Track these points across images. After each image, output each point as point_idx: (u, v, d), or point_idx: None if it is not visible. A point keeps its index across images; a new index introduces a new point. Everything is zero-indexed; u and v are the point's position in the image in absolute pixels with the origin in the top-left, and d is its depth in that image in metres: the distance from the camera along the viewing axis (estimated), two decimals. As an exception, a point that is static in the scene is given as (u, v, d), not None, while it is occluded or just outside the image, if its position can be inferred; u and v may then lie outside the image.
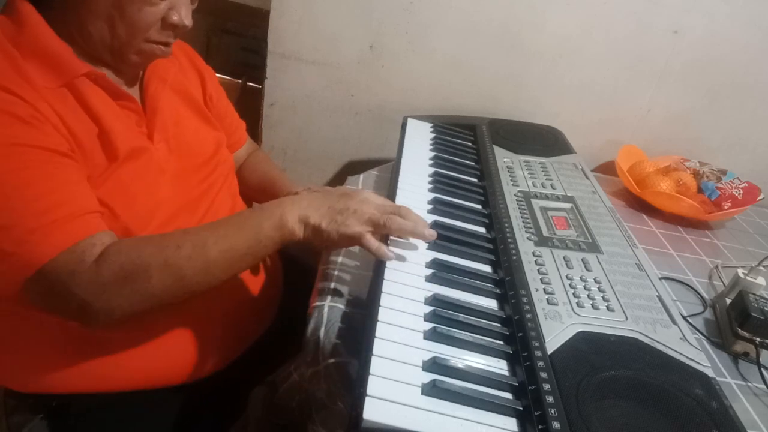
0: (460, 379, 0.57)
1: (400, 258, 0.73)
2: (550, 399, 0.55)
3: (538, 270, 0.75)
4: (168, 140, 0.80)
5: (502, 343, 0.65)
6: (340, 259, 0.84)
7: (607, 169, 1.43)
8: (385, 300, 0.65)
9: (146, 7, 0.69)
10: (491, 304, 0.71)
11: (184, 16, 0.73)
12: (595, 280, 0.75)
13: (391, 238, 0.76)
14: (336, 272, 0.82)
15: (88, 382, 0.75)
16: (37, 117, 0.63)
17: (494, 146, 1.14)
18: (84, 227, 0.63)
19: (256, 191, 1.05)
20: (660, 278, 0.84)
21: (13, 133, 0.61)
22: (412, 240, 0.78)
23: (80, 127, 0.68)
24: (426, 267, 0.74)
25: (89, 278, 0.61)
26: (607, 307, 0.70)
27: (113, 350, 0.75)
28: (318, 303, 0.75)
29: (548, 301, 0.69)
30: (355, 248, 0.87)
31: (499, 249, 0.80)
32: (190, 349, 0.81)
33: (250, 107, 1.22)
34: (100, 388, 0.76)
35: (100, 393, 0.77)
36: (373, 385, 0.53)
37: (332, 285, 0.79)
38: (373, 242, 0.70)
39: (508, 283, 0.72)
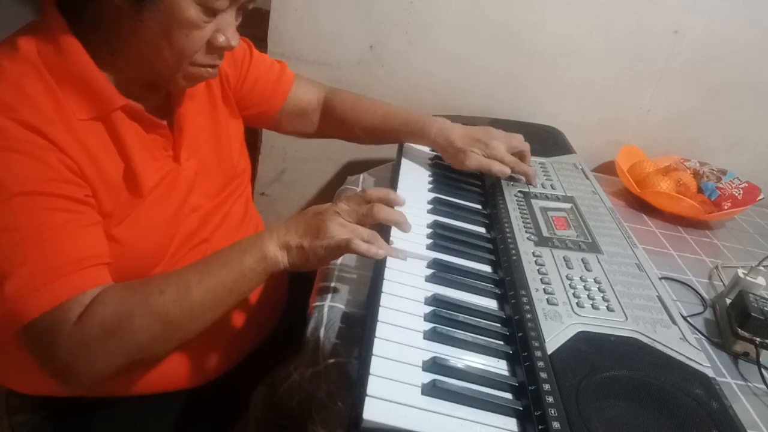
0: (460, 379, 0.57)
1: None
2: (550, 399, 0.55)
3: (538, 270, 0.75)
4: (195, 156, 0.79)
5: (502, 343, 0.65)
6: (339, 259, 0.84)
7: (607, 169, 1.43)
8: (385, 300, 0.65)
9: (193, 31, 0.66)
10: (491, 304, 0.71)
11: (230, 37, 0.70)
12: (595, 280, 0.75)
13: (392, 236, 0.76)
14: (336, 272, 0.82)
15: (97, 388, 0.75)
16: (65, 162, 0.62)
17: (494, 146, 1.14)
18: (78, 283, 0.61)
19: (370, 134, 1.03)
20: (660, 278, 0.84)
21: (30, 177, 0.60)
22: (413, 240, 0.78)
23: (107, 162, 0.67)
24: (426, 267, 0.74)
25: (71, 337, 0.59)
26: (607, 307, 0.70)
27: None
28: (318, 303, 0.75)
29: (548, 301, 0.69)
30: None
31: (499, 249, 0.80)
32: (194, 354, 0.80)
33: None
34: (102, 393, 0.76)
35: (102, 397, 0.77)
36: (373, 385, 0.53)
37: (332, 285, 0.79)
38: (360, 245, 0.68)
39: (508, 283, 0.72)
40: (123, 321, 0.61)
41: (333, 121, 1.05)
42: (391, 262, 0.71)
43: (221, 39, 0.69)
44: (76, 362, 0.61)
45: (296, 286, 1.00)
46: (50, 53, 0.64)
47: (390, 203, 0.75)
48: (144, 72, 0.71)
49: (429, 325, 0.63)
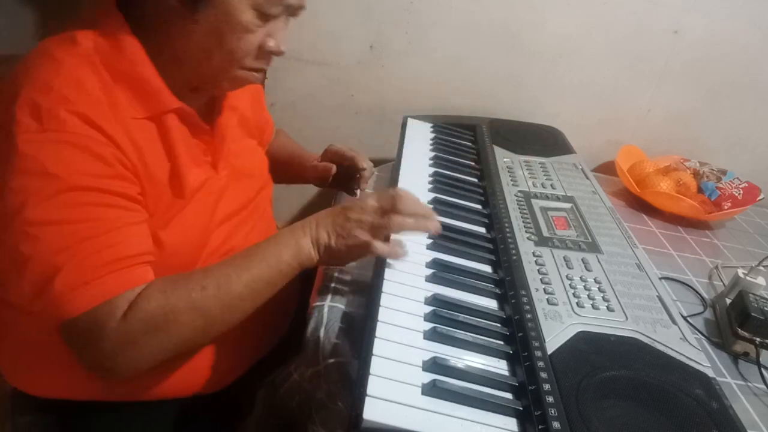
0: (460, 379, 0.57)
1: (401, 258, 0.73)
2: (550, 399, 0.55)
3: (538, 270, 0.75)
4: (229, 167, 0.80)
5: (502, 343, 0.65)
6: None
7: (607, 169, 1.43)
8: (385, 300, 0.65)
9: (246, 35, 0.66)
10: (491, 304, 0.71)
11: (281, 42, 0.70)
12: (595, 280, 0.75)
13: (393, 235, 0.76)
14: (336, 272, 0.82)
15: (101, 390, 0.75)
16: (119, 158, 0.63)
17: (494, 146, 1.14)
18: (125, 280, 0.62)
19: (282, 166, 1.04)
20: (660, 278, 0.84)
21: (88, 171, 0.60)
22: (413, 239, 0.78)
23: (155, 161, 0.67)
24: (426, 267, 0.74)
25: (117, 334, 0.60)
26: (607, 307, 0.70)
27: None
28: (318, 303, 0.75)
29: (548, 301, 0.69)
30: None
31: (499, 249, 0.80)
32: (205, 364, 0.80)
33: (250, 107, 1.22)
34: (111, 397, 0.76)
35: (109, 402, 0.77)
36: (373, 385, 0.53)
37: (332, 285, 0.79)
38: (382, 248, 0.70)
39: (508, 283, 0.72)
40: (168, 316, 0.62)
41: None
42: (391, 263, 0.71)
43: (271, 44, 0.69)
44: (121, 357, 0.61)
45: (306, 295, 0.99)
46: (108, 50, 0.64)
47: (418, 227, 0.74)
48: (189, 74, 0.71)
49: (429, 325, 0.63)
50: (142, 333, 0.61)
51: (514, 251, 0.78)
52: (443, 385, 0.55)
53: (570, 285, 0.73)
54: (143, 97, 0.66)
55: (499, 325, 0.67)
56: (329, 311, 0.73)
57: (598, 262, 0.79)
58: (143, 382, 0.76)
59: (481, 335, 0.65)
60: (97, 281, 0.59)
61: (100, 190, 0.61)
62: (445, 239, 0.80)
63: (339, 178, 1.00)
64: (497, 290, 0.73)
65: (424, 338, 0.62)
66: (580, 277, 0.75)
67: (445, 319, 0.65)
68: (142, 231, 0.65)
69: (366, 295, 0.75)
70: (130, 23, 0.66)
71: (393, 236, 0.73)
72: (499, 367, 0.62)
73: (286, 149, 1.08)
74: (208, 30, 0.65)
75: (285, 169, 1.04)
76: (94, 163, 0.61)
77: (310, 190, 1.51)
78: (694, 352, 0.66)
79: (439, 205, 0.89)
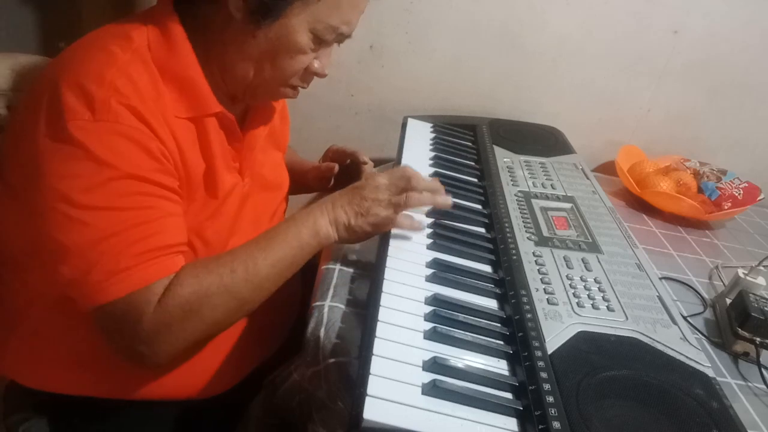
0: (460, 379, 0.57)
1: (401, 258, 0.73)
2: (550, 399, 0.55)
3: (538, 270, 0.75)
4: (254, 176, 0.81)
5: (502, 343, 0.65)
6: (340, 258, 0.84)
7: (607, 169, 1.43)
8: (385, 300, 0.65)
9: (299, 56, 0.70)
10: (491, 304, 0.71)
11: (325, 65, 0.74)
12: (595, 280, 0.75)
13: (392, 232, 0.77)
14: (336, 272, 0.82)
15: (101, 387, 0.75)
16: (164, 153, 0.64)
17: (494, 146, 1.14)
18: (164, 267, 0.63)
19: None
20: (660, 278, 0.84)
21: (136, 162, 0.62)
22: (413, 240, 0.78)
23: (193, 161, 0.69)
24: (426, 267, 0.74)
25: (155, 319, 0.61)
26: (608, 307, 0.70)
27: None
28: (318, 303, 0.75)
29: (548, 301, 0.69)
30: (355, 247, 0.87)
31: (499, 249, 0.80)
32: (206, 367, 0.80)
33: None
34: (110, 395, 0.76)
35: (108, 399, 0.76)
36: (373, 385, 0.53)
37: (332, 285, 0.79)
38: (403, 222, 0.77)
39: (508, 283, 0.72)
40: (202, 300, 0.64)
41: None
42: (391, 262, 0.72)
43: (317, 66, 0.73)
44: (157, 341, 0.63)
45: (306, 298, 1.00)
46: (160, 49, 0.66)
47: (435, 203, 0.80)
48: (234, 83, 0.73)
49: (429, 325, 0.63)
50: (179, 317, 0.63)
51: (514, 251, 0.78)
52: (443, 385, 0.55)
53: (570, 285, 0.73)
54: (189, 98, 0.68)
55: (499, 325, 0.67)
56: (329, 311, 0.73)
57: (598, 262, 0.79)
58: (144, 381, 0.76)
59: (481, 335, 0.65)
60: (138, 267, 0.61)
61: (148, 181, 0.63)
62: (445, 239, 0.80)
63: (341, 177, 1.01)
64: (497, 290, 0.73)
65: (424, 338, 0.62)
66: (580, 277, 0.75)
67: (445, 319, 0.65)
68: (181, 222, 0.67)
69: (366, 295, 0.75)
70: (185, 24, 0.68)
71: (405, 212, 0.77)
72: (499, 367, 0.62)
73: (287, 159, 1.10)
74: (265, 46, 0.68)
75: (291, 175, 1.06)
76: (142, 155, 0.62)
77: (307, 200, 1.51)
78: (694, 352, 0.66)
79: (439, 205, 0.89)
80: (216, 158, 0.72)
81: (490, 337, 0.65)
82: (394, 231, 0.78)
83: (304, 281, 1.01)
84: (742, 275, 0.90)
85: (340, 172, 1.01)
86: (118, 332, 0.63)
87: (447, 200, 0.81)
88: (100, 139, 0.60)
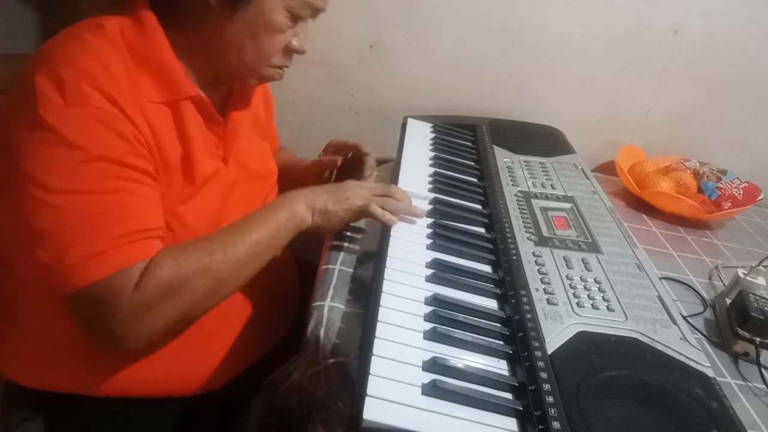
0: (460, 379, 0.57)
1: (401, 258, 0.73)
2: (550, 399, 0.55)
3: (538, 270, 0.75)
4: (239, 164, 0.82)
5: (502, 343, 0.65)
6: (340, 258, 0.84)
7: (607, 169, 1.43)
8: (385, 300, 0.65)
9: (277, 34, 0.72)
10: (491, 304, 0.71)
11: (303, 42, 0.76)
12: (595, 280, 0.75)
13: (392, 233, 0.77)
14: (336, 272, 0.82)
15: (98, 384, 0.75)
16: (137, 137, 0.65)
17: (494, 146, 1.14)
18: (141, 251, 0.64)
19: (279, 175, 1.06)
20: (660, 278, 0.84)
21: (110, 146, 0.62)
22: (413, 240, 0.78)
23: (169, 145, 0.69)
24: (426, 267, 0.74)
25: (133, 301, 0.62)
26: (607, 307, 0.70)
27: (131, 357, 0.75)
28: (318, 303, 0.75)
29: (548, 301, 0.69)
30: (355, 247, 0.87)
31: (499, 249, 0.80)
32: (205, 361, 0.80)
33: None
34: (108, 392, 0.76)
35: (105, 397, 0.76)
36: (373, 385, 0.53)
37: (332, 285, 0.79)
38: (378, 210, 0.79)
39: (508, 283, 0.72)
40: (181, 281, 0.65)
41: None
42: (391, 262, 0.72)
43: (296, 43, 0.75)
44: (135, 324, 0.63)
45: (306, 296, 1.00)
46: (133, 35, 0.67)
47: (408, 211, 0.83)
48: (216, 68, 0.74)
49: (429, 325, 0.63)
50: (157, 299, 0.63)
51: (514, 251, 0.78)
52: (443, 385, 0.55)
53: (570, 285, 0.73)
54: (163, 83, 0.69)
55: (499, 325, 0.67)
56: (329, 311, 0.73)
57: (598, 262, 0.79)
58: (142, 378, 0.76)
59: (481, 335, 0.65)
60: (114, 251, 0.61)
61: (121, 164, 0.63)
62: (445, 239, 0.80)
63: (343, 172, 1.02)
64: (497, 290, 0.73)
65: (424, 338, 0.62)
66: (580, 277, 0.75)
67: (445, 319, 0.65)
68: (157, 206, 0.68)
69: (366, 295, 0.75)
70: (162, 15, 0.69)
71: (387, 201, 0.81)
72: (499, 367, 0.62)
73: (283, 159, 1.11)
74: (244, 28, 0.70)
75: (282, 177, 1.06)
76: (115, 138, 0.63)
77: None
78: (694, 352, 0.66)
79: (439, 205, 0.89)
80: (194, 143, 0.72)
81: (489, 337, 0.65)
82: (394, 231, 0.78)
83: (303, 280, 1.02)
84: (742, 275, 0.90)
85: (341, 167, 1.02)
86: (95, 317, 0.63)
87: (420, 212, 0.84)
88: (72, 123, 0.60)
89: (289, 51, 0.76)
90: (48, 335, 0.73)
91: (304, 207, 0.76)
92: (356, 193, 0.79)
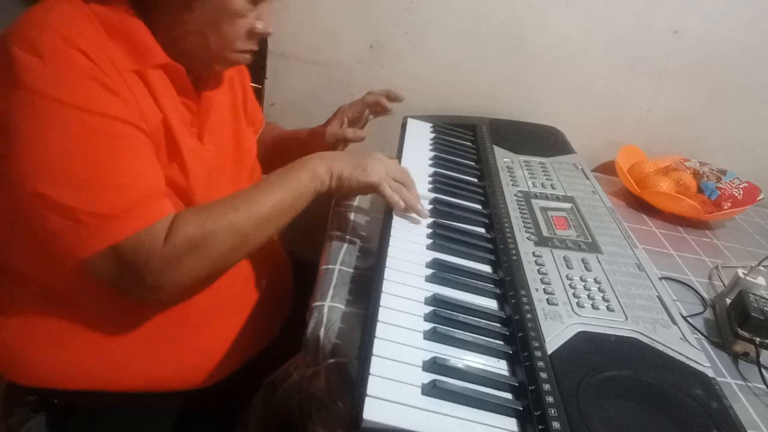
0: (460, 379, 0.57)
1: (401, 258, 0.73)
2: (550, 399, 0.55)
3: (538, 270, 0.75)
4: (215, 143, 0.82)
5: (502, 343, 0.65)
6: (340, 258, 0.84)
7: (607, 169, 1.43)
8: (385, 300, 0.65)
9: (238, 19, 0.72)
10: (491, 304, 0.71)
11: (268, 24, 0.76)
12: (595, 280, 0.75)
13: (392, 233, 0.78)
14: (336, 272, 0.82)
15: (99, 379, 0.75)
16: (123, 89, 0.65)
17: (494, 146, 1.14)
18: (159, 208, 0.66)
19: (274, 151, 1.08)
20: (660, 278, 0.84)
21: (101, 100, 0.63)
22: (413, 240, 0.78)
23: (147, 109, 0.70)
24: (426, 267, 0.74)
25: (163, 255, 0.64)
26: (607, 307, 0.70)
27: (128, 349, 0.76)
28: (318, 303, 0.75)
29: (548, 301, 0.69)
30: (355, 247, 0.87)
31: (499, 249, 0.80)
32: (201, 355, 0.81)
33: (250, 107, 1.23)
34: (108, 387, 0.76)
35: (104, 392, 0.77)
36: (373, 385, 0.53)
37: (332, 285, 0.79)
38: (388, 190, 0.80)
39: (508, 283, 0.72)
40: (207, 236, 0.67)
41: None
42: (391, 262, 0.72)
43: (260, 26, 0.75)
44: (166, 276, 0.66)
45: (302, 285, 1.00)
46: (100, 6, 0.67)
47: (413, 208, 0.84)
48: (186, 58, 0.74)
49: (429, 325, 0.63)
50: (185, 252, 0.66)
51: (514, 251, 0.78)
52: (443, 385, 0.55)
53: (570, 285, 0.73)
54: (133, 50, 0.68)
55: (499, 325, 0.67)
56: (329, 311, 0.73)
57: (598, 262, 0.79)
58: (136, 369, 0.76)
59: (481, 335, 0.65)
60: (139, 207, 0.64)
61: (119, 120, 0.64)
62: (445, 239, 0.80)
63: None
64: (497, 290, 0.73)
65: (424, 338, 0.62)
66: (580, 277, 0.75)
67: (445, 319, 0.65)
68: (158, 166, 0.69)
69: (366, 295, 0.75)
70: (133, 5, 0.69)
71: (400, 187, 0.82)
72: (499, 367, 0.62)
73: (279, 133, 1.13)
74: (204, 17, 0.70)
75: (282, 149, 1.08)
76: (106, 93, 0.63)
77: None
78: (694, 352, 0.66)
79: (439, 205, 0.89)
80: (168, 109, 0.72)
81: (489, 338, 0.65)
82: (394, 231, 0.78)
83: (301, 279, 1.02)
84: (742, 275, 0.90)
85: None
86: (124, 274, 0.64)
87: (425, 213, 0.84)
88: (58, 80, 0.60)
89: (253, 34, 0.76)
90: (41, 328, 0.73)
91: (325, 170, 0.78)
92: (374, 167, 0.80)
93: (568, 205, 0.95)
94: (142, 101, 0.68)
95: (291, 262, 1.04)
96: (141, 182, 0.65)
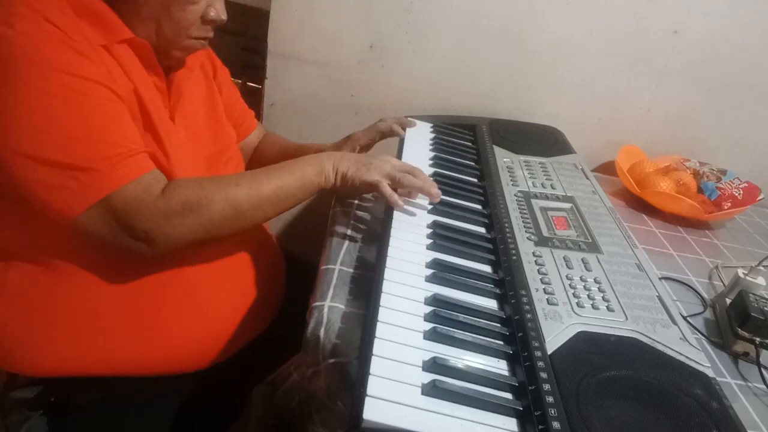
0: (460, 379, 0.57)
1: (401, 258, 0.73)
2: (550, 399, 0.55)
3: (538, 270, 0.75)
4: (187, 126, 0.84)
5: (502, 343, 0.65)
6: (340, 258, 0.84)
7: (607, 169, 1.43)
8: (384, 300, 0.65)
9: (189, 6, 0.75)
10: (491, 304, 0.71)
11: (220, 11, 0.79)
12: (595, 280, 0.75)
13: (392, 233, 0.77)
14: (336, 272, 0.82)
15: (96, 363, 0.76)
16: (95, 57, 0.67)
17: (494, 146, 1.14)
18: (146, 162, 0.69)
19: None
20: (660, 278, 0.84)
21: (78, 64, 0.65)
22: (413, 240, 0.78)
23: (120, 80, 0.72)
24: (426, 267, 0.74)
25: (156, 207, 0.67)
26: (607, 307, 0.70)
27: (123, 330, 0.77)
28: (318, 303, 0.75)
29: (548, 301, 0.69)
30: (355, 247, 0.87)
31: (499, 249, 0.80)
32: (195, 336, 0.82)
33: (250, 107, 1.22)
34: (106, 371, 0.77)
35: (100, 384, 0.77)
36: (373, 385, 0.53)
37: (332, 285, 0.79)
38: (387, 189, 0.82)
39: (508, 283, 0.72)
40: (202, 201, 0.70)
41: (255, 160, 1.13)
42: (392, 262, 0.72)
43: (212, 13, 0.78)
44: (157, 228, 0.68)
45: (295, 281, 1.01)
46: None
47: (423, 189, 0.86)
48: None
49: (429, 325, 0.63)
50: (178, 212, 0.69)
51: (514, 251, 0.78)
52: (443, 385, 0.55)
53: (570, 285, 0.73)
54: (101, 26, 0.71)
55: (499, 325, 0.67)
56: (329, 311, 0.73)
57: (598, 262, 0.79)
58: (131, 351, 0.78)
59: (481, 335, 0.65)
60: (126, 161, 0.66)
61: (103, 85, 0.66)
62: (445, 239, 0.80)
63: None
64: (497, 290, 0.73)
65: (424, 338, 0.62)
66: (580, 277, 0.75)
67: (445, 319, 0.65)
68: (133, 126, 0.71)
69: (366, 295, 0.75)
70: None
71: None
72: (499, 367, 0.62)
73: (288, 143, 1.14)
74: (156, 5, 0.73)
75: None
76: (81, 58, 0.66)
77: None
78: (694, 352, 0.66)
79: (439, 205, 0.89)
80: (138, 82, 0.74)
81: (489, 338, 0.65)
82: (394, 231, 0.78)
83: (300, 277, 1.02)
84: (742, 275, 0.90)
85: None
86: (120, 223, 0.66)
87: (438, 193, 0.86)
88: (31, 45, 0.63)
89: (207, 21, 0.78)
90: (33, 311, 0.74)
91: (331, 167, 0.81)
92: (378, 166, 0.82)
93: (568, 205, 0.95)
94: (114, 71, 0.70)
95: (289, 262, 1.04)
96: (124, 139, 0.67)
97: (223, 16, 0.79)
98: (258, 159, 1.12)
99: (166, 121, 0.79)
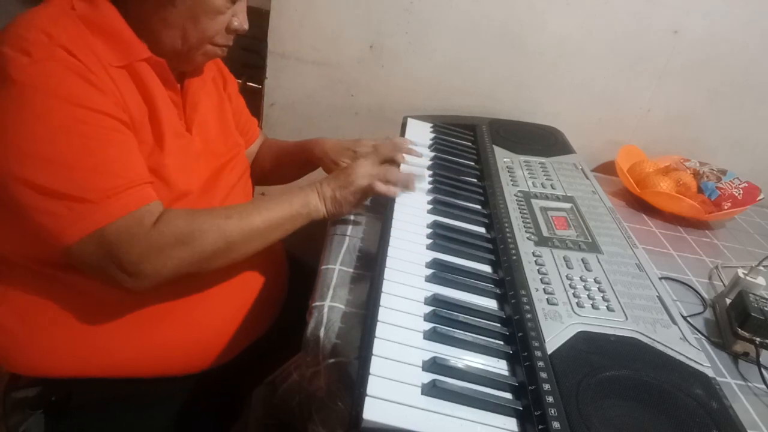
0: (460, 379, 0.57)
1: (400, 258, 0.73)
2: (550, 399, 0.55)
3: (538, 270, 0.75)
4: (202, 135, 0.85)
5: (502, 343, 0.65)
6: (340, 258, 0.84)
7: (607, 169, 1.43)
8: (385, 300, 0.65)
9: (218, 16, 0.76)
10: (491, 304, 0.71)
11: (243, 21, 0.81)
12: (595, 280, 0.75)
13: (392, 233, 0.77)
14: (336, 272, 0.82)
15: (98, 364, 0.76)
16: (106, 84, 0.68)
17: (494, 146, 1.14)
18: (143, 195, 0.69)
19: (276, 163, 1.12)
20: (660, 278, 0.84)
21: (85, 95, 0.65)
22: (413, 240, 0.78)
23: (135, 106, 0.72)
24: (426, 267, 0.74)
25: (148, 241, 0.67)
26: (607, 307, 0.70)
27: (125, 332, 0.77)
28: (318, 303, 0.75)
29: (548, 301, 0.69)
30: (355, 247, 0.87)
31: (499, 249, 0.80)
32: (196, 338, 0.82)
33: (250, 107, 1.22)
34: (107, 372, 0.77)
35: (101, 384, 0.77)
36: (373, 385, 0.53)
37: (332, 285, 0.79)
38: (381, 187, 0.84)
39: (508, 283, 0.72)
40: (194, 234, 0.71)
41: (257, 165, 1.14)
42: (391, 262, 0.72)
43: (236, 23, 0.80)
44: (147, 261, 0.68)
45: (296, 283, 1.01)
46: (83, 6, 0.70)
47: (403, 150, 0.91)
48: (166, 52, 0.76)
49: (429, 325, 0.63)
50: (170, 244, 0.69)
51: (514, 251, 0.78)
52: (443, 385, 0.55)
53: (570, 285, 0.73)
54: (117, 47, 0.71)
55: (499, 325, 0.67)
56: (329, 311, 0.73)
57: (598, 262, 0.79)
58: (131, 351, 0.78)
59: (481, 335, 0.65)
60: (122, 194, 0.66)
61: (101, 113, 0.67)
62: (445, 239, 0.80)
63: None
64: (497, 290, 0.73)
65: (424, 338, 0.62)
66: (580, 277, 0.75)
67: (445, 319, 0.65)
68: (140, 156, 0.72)
69: (366, 296, 0.75)
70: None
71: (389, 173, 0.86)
72: (499, 367, 0.62)
73: (275, 145, 1.15)
74: (185, 12, 0.73)
75: (277, 167, 1.11)
76: (89, 87, 0.66)
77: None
78: (694, 352, 0.66)
79: (439, 205, 0.89)
80: (158, 100, 0.75)
81: (489, 337, 0.65)
82: (394, 231, 0.78)
83: (299, 278, 1.03)
84: (742, 275, 0.90)
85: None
86: (111, 255, 0.66)
87: (413, 177, 0.88)
88: (45, 75, 0.63)
89: (230, 30, 0.80)
90: (33, 311, 0.74)
91: (317, 197, 0.83)
92: (360, 173, 0.84)
93: (568, 205, 0.95)
94: (127, 95, 0.71)
95: (289, 263, 1.05)
96: (124, 170, 0.67)
97: (246, 26, 0.81)
98: (259, 164, 1.12)
99: (181, 134, 0.80)
